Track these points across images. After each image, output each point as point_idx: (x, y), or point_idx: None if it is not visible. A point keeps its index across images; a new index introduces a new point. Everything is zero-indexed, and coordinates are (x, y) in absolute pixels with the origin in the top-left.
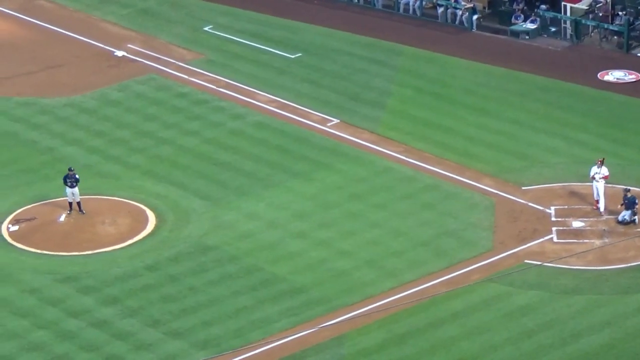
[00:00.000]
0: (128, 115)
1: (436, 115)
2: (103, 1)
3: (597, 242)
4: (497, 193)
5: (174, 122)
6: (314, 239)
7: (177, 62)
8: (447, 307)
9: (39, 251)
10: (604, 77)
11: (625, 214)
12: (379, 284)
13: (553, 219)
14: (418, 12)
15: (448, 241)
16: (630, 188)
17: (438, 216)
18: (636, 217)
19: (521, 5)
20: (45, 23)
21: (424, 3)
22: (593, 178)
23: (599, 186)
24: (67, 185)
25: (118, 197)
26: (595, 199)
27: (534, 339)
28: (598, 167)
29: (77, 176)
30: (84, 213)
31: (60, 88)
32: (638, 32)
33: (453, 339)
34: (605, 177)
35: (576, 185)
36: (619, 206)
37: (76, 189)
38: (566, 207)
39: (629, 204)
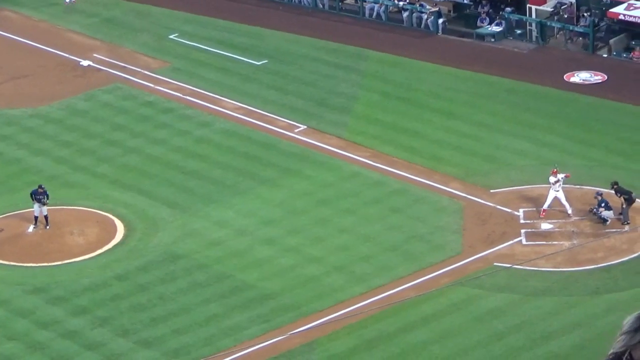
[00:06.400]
0: (95, 125)
1: (403, 119)
2: (67, 11)
3: (566, 244)
4: (465, 196)
5: (140, 131)
6: (283, 245)
7: (142, 71)
8: (417, 311)
9: (7, 262)
10: (570, 78)
11: (606, 214)
12: (349, 289)
13: (522, 221)
14: (383, 17)
15: (417, 245)
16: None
17: (406, 220)
18: (604, 214)
19: (486, 9)
20: (9, 34)
21: (389, 7)
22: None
23: (559, 195)
24: (35, 200)
25: (86, 207)
26: (544, 208)
27: (505, 342)
28: (554, 177)
29: (47, 192)
30: (47, 228)
31: (26, 98)
32: (603, 33)
33: (423, 343)
34: (566, 176)
35: (544, 187)
36: (599, 209)
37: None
38: (534, 209)
39: (606, 205)
